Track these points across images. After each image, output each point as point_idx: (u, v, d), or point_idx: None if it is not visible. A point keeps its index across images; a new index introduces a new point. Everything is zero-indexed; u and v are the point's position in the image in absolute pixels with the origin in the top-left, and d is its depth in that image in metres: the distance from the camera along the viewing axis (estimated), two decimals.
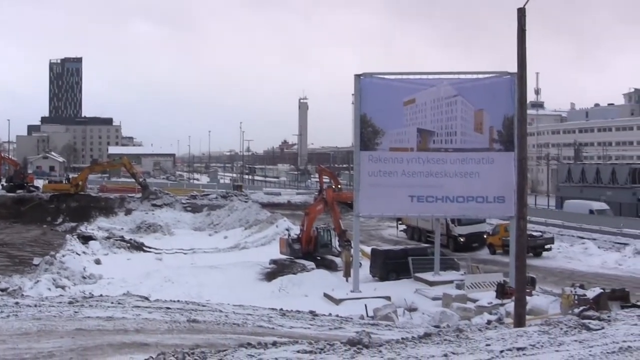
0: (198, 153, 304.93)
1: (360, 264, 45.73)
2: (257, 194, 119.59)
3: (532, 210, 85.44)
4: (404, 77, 44.10)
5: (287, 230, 62.47)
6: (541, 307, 33.96)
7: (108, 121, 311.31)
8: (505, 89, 41.00)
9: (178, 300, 28.47)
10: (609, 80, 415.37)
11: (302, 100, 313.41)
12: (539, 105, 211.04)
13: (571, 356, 13.46)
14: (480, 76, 43.81)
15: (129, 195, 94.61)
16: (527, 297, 31.69)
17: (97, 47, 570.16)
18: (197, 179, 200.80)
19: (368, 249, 53.04)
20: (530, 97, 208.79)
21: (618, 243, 64.61)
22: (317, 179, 71.49)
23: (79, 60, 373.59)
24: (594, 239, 66.59)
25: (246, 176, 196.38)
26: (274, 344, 15.40)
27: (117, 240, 65.34)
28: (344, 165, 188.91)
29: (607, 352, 13.69)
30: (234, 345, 15.71)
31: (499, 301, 35.83)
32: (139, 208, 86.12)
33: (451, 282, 42.44)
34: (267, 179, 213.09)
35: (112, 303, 25.02)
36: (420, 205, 42.85)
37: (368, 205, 43.25)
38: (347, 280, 45.43)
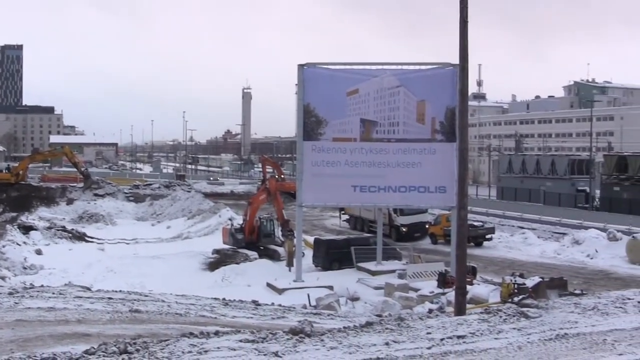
0: (141, 142, 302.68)
1: (303, 253, 45.80)
2: (200, 184, 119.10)
3: (474, 201, 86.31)
4: (348, 67, 44.23)
5: (230, 220, 62.33)
6: (482, 295, 34.35)
7: (49, 110, 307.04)
8: (448, 80, 41.32)
9: (120, 291, 28.31)
10: (549, 73, 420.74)
11: (245, 90, 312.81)
12: (480, 96, 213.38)
13: (510, 343, 13.71)
14: (423, 67, 44.06)
15: (71, 184, 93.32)
16: (468, 286, 32.07)
17: (38, 35, 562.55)
18: (140, 169, 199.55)
19: (311, 239, 53.10)
20: (472, 88, 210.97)
21: (557, 233, 65.63)
22: (261, 169, 71.41)
23: (19, 48, 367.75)
24: (534, 229, 67.56)
25: (189, 166, 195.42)
26: (217, 333, 15.41)
27: (58, 230, 64.55)
28: (288, 155, 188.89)
29: (545, 339, 13.97)
30: (176, 335, 15.69)
31: (441, 290, 36.15)
32: (81, 198, 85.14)
33: (393, 271, 42.69)
34: (210, 168, 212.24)
35: (53, 294, 24.80)
36: (363, 195, 43.05)
37: (311, 195, 43.36)
38: (289, 270, 45.47)
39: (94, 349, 13.36)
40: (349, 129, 42.80)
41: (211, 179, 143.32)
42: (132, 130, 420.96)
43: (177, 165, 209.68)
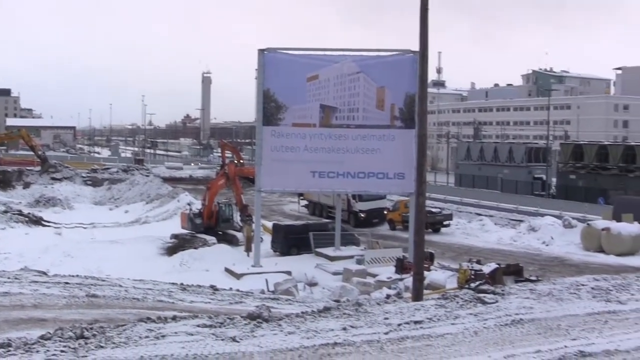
0: (99, 126, 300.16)
1: (262, 239, 45.84)
2: (159, 168, 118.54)
3: (432, 187, 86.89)
4: (308, 53, 44.23)
5: (189, 204, 62.07)
6: (439, 281, 34.62)
7: (6, 92, 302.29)
8: (408, 67, 41.44)
9: (77, 275, 28.09)
10: (508, 62, 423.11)
11: (205, 75, 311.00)
12: (440, 84, 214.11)
13: (466, 329, 13.85)
14: (384, 54, 44.18)
15: (28, 168, 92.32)
16: (426, 272, 32.30)
17: None
18: (98, 153, 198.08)
19: (269, 224, 53.13)
20: (432, 75, 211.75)
21: (514, 220, 66.30)
22: (220, 154, 71.08)
23: None
24: (491, 216, 68.20)
25: (148, 150, 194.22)
26: (174, 318, 15.38)
27: (14, 214, 63.77)
28: (247, 141, 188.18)
29: (501, 325, 14.13)
30: (133, 320, 15.63)
31: (398, 276, 36.38)
32: (38, 181, 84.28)
33: (351, 257, 42.89)
34: (169, 153, 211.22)
35: (8, 278, 24.56)
36: (322, 180, 43.16)
37: (270, 180, 43.37)
38: (248, 255, 45.46)
39: (50, 334, 13.26)
40: (309, 115, 42.86)
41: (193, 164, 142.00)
42: (91, 114, 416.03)
43: (136, 149, 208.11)
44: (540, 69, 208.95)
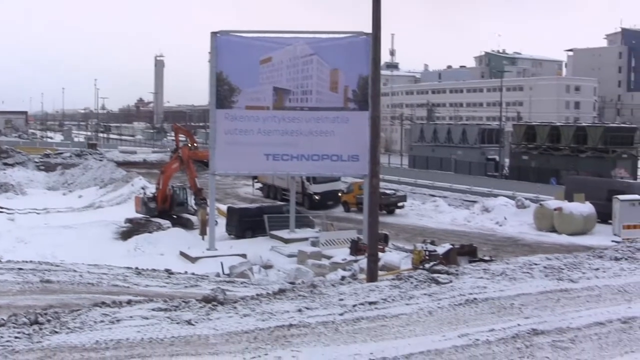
0: (52, 111, 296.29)
1: (216, 222, 45.80)
2: (113, 153, 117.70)
3: (386, 169, 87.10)
4: (261, 35, 44.26)
5: (143, 188, 61.71)
6: (393, 262, 34.84)
7: None
8: (361, 49, 41.47)
9: (31, 261, 27.90)
10: (461, 43, 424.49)
11: (158, 58, 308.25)
12: (393, 66, 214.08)
13: (420, 309, 13.97)
14: (337, 36, 44.25)
15: None
16: (380, 253, 32.49)
17: None
18: (51, 137, 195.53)
19: (224, 207, 53.02)
20: (385, 57, 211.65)
21: (467, 201, 66.80)
22: (173, 138, 70.65)
23: None
24: (445, 197, 68.61)
25: (101, 134, 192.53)
26: (129, 302, 15.37)
27: None
28: (201, 124, 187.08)
29: (455, 304, 14.27)
30: (88, 305, 15.57)
31: (353, 257, 36.57)
32: None
33: (306, 239, 43.03)
34: (123, 137, 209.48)
35: None
36: (276, 163, 43.19)
37: (224, 164, 43.30)
38: (203, 239, 45.33)
39: (4, 320, 13.18)
40: (262, 98, 42.83)
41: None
42: (43, 99, 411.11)
43: (89, 133, 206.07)
44: (493, 51, 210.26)
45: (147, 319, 13.34)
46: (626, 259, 18.96)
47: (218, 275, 32.76)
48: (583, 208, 49.42)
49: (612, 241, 35.24)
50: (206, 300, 14.80)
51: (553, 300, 14.79)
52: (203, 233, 45.99)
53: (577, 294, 15.30)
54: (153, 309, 14.14)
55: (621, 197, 49.05)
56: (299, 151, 42.69)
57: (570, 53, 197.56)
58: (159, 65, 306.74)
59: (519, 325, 12.89)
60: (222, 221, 49.00)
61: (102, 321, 13.08)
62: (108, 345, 11.67)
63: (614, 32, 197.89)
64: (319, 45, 43.32)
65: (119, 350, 11.46)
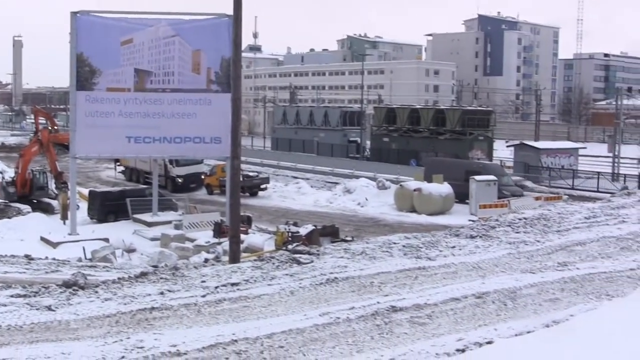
0: None
1: (78, 206, 44.99)
2: None
3: (249, 151, 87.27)
4: (123, 16, 43.60)
5: (1, 173, 59.94)
6: (257, 244, 35.00)
7: None
8: (223, 31, 41.33)
9: None
10: (324, 27, 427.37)
11: (16, 38, 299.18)
12: (256, 48, 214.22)
13: (282, 289, 14.18)
14: (200, 17, 44.01)
15: None
16: (243, 235, 32.69)
17: None
18: None
19: (86, 191, 52.10)
20: (249, 40, 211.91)
21: (329, 182, 67.62)
22: (33, 120, 69.00)
23: None
24: (308, 179, 69.25)
25: None
26: None
27: None
28: (61, 106, 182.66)
29: (316, 284, 14.54)
30: None
31: (217, 240, 36.56)
32: None
33: (169, 222, 42.75)
34: None
35: None
36: (138, 146, 42.70)
37: (85, 147, 42.53)
38: (64, 223, 44.48)
39: None
40: (123, 79, 42.23)
41: None
42: None
43: None
44: (355, 35, 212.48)
45: (5, 305, 13.12)
46: (481, 237, 19.66)
47: (80, 260, 32.25)
48: (442, 189, 50.70)
49: (469, 220, 36.18)
50: (67, 285, 14.63)
51: (411, 277, 15.23)
52: (64, 218, 45.12)
53: (434, 272, 15.79)
54: (12, 296, 13.91)
55: (477, 177, 50.66)
56: (161, 133, 42.30)
57: (430, 38, 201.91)
58: (17, 45, 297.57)
59: (378, 302, 13.23)
60: (83, 205, 48.14)
61: None
62: None
63: (471, 18, 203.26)
64: (181, 26, 43.02)
65: None
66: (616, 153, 71.32)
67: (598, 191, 58.12)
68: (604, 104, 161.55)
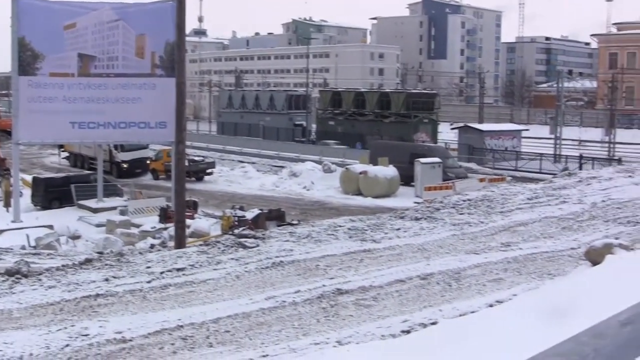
0: None
1: (21, 193, 44.47)
2: None
3: (194, 136, 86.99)
4: (65, 0, 43.07)
5: None
6: (203, 229, 35.00)
7: None
8: (168, 15, 40.79)
9: None
10: (269, 11, 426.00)
11: None
12: (202, 32, 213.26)
13: (228, 273, 14.18)
14: (144, 1, 43.74)
15: None
16: (189, 220, 32.63)
17: None
18: None
19: (29, 178, 51.51)
20: (194, 24, 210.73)
21: (275, 166, 67.61)
22: None
23: None
24: (254, 163, 69.24)
25: None
26: None
27: None
28: (3, 92, 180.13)
29: (262, 268, 14.56)
30: None
31: (162, 225, 36.47)
32: None
33: (115, 208, 42.50)
34: None
35: None
36: (82, 131, 42.30)
37: (28, 132, 42.02)
38: (7, 211, 43.95)
39: None
40: (67, 64, 41.77)
41: None
42: None
43: None
44: (300, 18, 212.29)
45: None
46: (426, 219, 19.78)
47: (23, 247, 31.91)
48: (387, 171, 51.04)
49: (414, 202, 36.46)
50: (9, 273, 14.48)
51: (357, 260, 15.30)
52: (7, 205, 44.59)
53: (379, 254, 15.87)
54: None
55: (422, 160, 51.10)
56: (105, 119, 41.94)
57: (375, 21, 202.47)
58: None
59: (324, 285, 13.28)
60: (27, 192, 47.60)
61: None
62: None
63: (415, 1, 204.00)
64: (125, 10, 42.66)
65: None
66: (558, 135, 72.31)
67: (540, 172, 58.82)
68: (546, 87, 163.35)
